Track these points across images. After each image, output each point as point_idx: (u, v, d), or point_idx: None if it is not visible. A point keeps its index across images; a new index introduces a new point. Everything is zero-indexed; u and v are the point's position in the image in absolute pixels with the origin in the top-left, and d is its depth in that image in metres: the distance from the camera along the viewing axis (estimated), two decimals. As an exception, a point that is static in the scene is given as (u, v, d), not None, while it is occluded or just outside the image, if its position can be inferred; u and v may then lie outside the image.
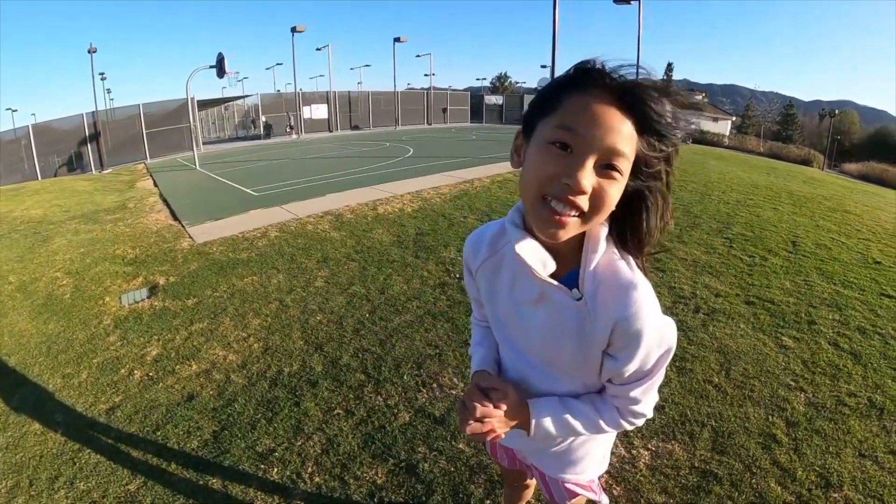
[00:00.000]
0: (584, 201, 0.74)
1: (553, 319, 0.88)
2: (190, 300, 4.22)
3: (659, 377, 0.88)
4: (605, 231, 0.84)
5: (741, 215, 6.65)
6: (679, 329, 0.92)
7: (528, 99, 33.88)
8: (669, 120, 0.74)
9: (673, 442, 2.32)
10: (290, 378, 2.98)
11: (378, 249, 5.22)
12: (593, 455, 1.13)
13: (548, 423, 0.94)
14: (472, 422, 0.90)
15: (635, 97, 0.72)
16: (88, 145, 16.72)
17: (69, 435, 2.60)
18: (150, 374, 3.16)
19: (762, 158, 20.33)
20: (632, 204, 0.81)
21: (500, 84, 62.80)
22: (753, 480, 2.09)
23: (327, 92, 27.80)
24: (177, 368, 3.19)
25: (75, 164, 16.65)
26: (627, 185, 0.78)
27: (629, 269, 0.83)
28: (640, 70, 0.76)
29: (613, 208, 0.78)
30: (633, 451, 2.25)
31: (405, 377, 2.93)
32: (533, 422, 0.94)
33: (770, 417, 2.50)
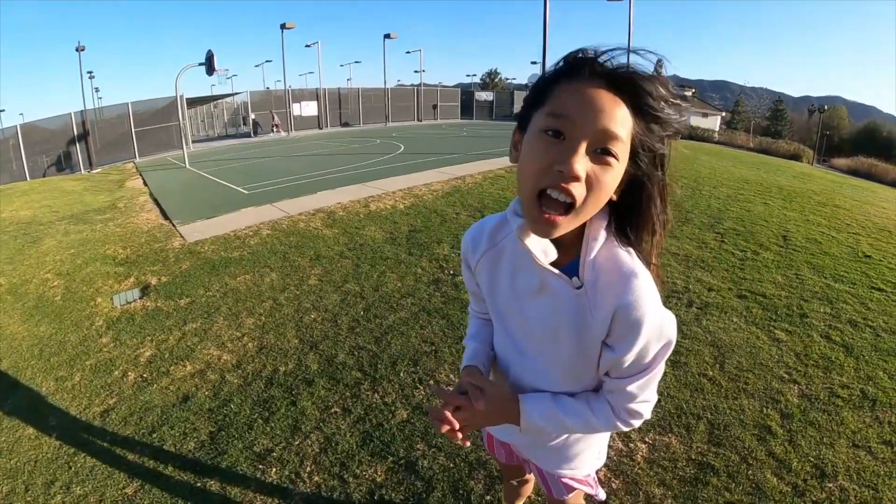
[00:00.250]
0: (578, 188, 0.72)
1: (553, 310, 0.87)
2: (183, 300, 4.19)
3: (657, 373, 0.86)
4: (605, 221, 0.83)
5: (732, 210, 6.70)
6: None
7: (518, 95, 34.10)
8: (664, 102, 0.73)
9: (670, 435, 2.34)
10: (286, 377, 2.97)
11: (371, 247, 5.21)
12: (590, 450, 1.13)
13: (538, 418, 0.93)
14: (439, 422, 0.90)
15: (628, 80, 0.72)
16: (77, 145, 16.50)
17: (64, 439, 2.57)
18: (144, 375, 3.13)
19: (752, 154, 20.49)
20: (632, 193, 0.80)
21: (491, 80, 62.81)
22: (750, 471, 2.11)
23: (317, 89, 27.64)
24: (171, 369, 3.16)
25: (64, 163, 16.42)
26: (627, 173, 0.78)
27: (630, 258, 0.82)
28: (633, 54, 0.74)
29: (610, 196, 0.77)
30: (631, 445, 2.27)
31: (402, 374, 2.92)
32: (523, 417, 0.93)
33: (765, 409, 2.53)
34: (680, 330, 3.34)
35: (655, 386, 0.89)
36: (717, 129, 32.71)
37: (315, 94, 27.31)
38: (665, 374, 2.79)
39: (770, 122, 57.51)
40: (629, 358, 0.83)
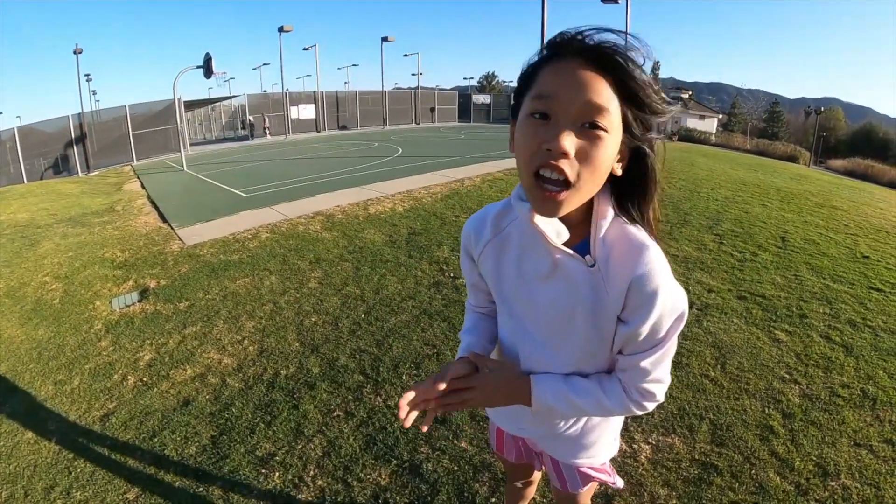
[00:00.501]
0: (569, 166, 0.73)
1: (567, 291, 0.87)
2: (182, 303, 4.18)
3: (670, 348, 0.86)
4: (611, 199, 0.85)
5: (730, 212, 6.73)
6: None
7: (515, 98, 34.04)
8: (647, 78, 0.73)
9: (673, 435, 2.34)
10: (288, 380, 2.96)
11: (371, 249, 5.21)
12: (605, 438, 1.12)
13: (549, 398, 0.92)
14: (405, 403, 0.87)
15: (610, 57, 0.72)
16: (74, 147, 16.44)
17: (63, 443, 2.55)
18: (144, 379, 3.11)
19: (749, 155, 20.57)
20: (635, 166, 0.82)
21: (488, 83, 62.88)
22: (753, 471, 2.11)
23: (315, 92, 27.62)
24: (171, 373, 3.15)
25: (61, 166, 16.37)
26: (626, 146, 0.78)
27: (639, 232, 0.83)
28: (619, 34, 0.74)
29: (607, 170, 0.78)
30: (635, 446, 2.27)
31: (404, 377, 2.92)
32: (534, 397, 0.92)
33: (766, 409, 2.54)
34: (681, 331, 3.37)
35: (669, 364, 0.89)
36: (714, 131, 32.83)
37: (313, 97, 27.30)
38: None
39: (767, 123, 57.75)
40: (644, 331, 0.83)
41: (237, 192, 9.12)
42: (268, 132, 24.31)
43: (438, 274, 4.47)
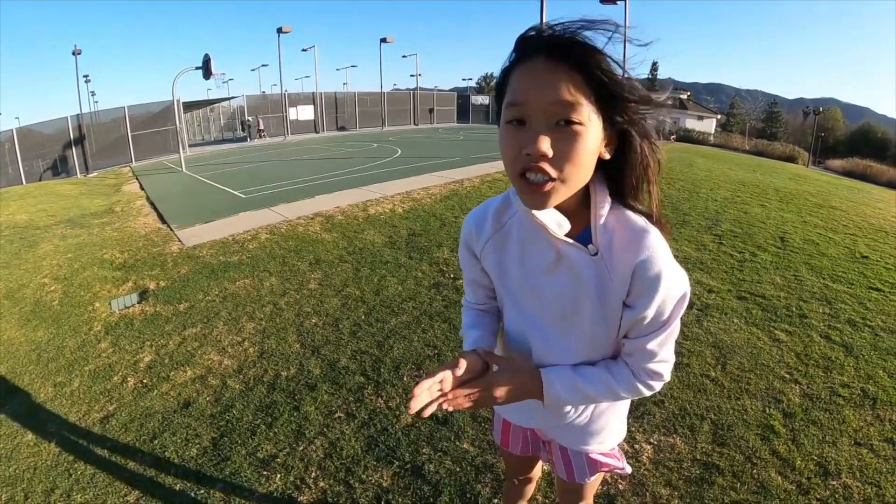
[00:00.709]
0: (551, 165, 0.74)
1: (572, 281, 0.88)
2: (182, 305, 4.17)
3: (674, 329, 0.88)
4: (607, 187, 0.86)
5: (729, 212, 6.74)
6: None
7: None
8: (612, 66, 0.74)
9: (674, 436, 2.34)
10: (289, 382, 2.95)
11: (371, 251, 5.20)
12: (613, 423, 1.13)
13: (560, 390, 0.93)
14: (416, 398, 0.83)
15: (571, 50, 0.73)
16: (73, 149, 16.41)
17: (63, 445, 2.54)
18: (144, 381, 3.11)
19: (748, 156, 20.61)
20: (619, 155, 0.83)
21: (487, 84, 62.97)
22: (754, 471, 2.11)
23: (313, 93, 27.63)
24: (171, 375, 3.14)
25: (60, 167, 16.34)
26: (610, 130, 0.79)
27: (638, 217, 0.85)
28: (578, 22, 0.73)
29: (591, 160, 0.79)
30: (636, 446, 2.27)
31: (405, 378, 2.92)
32: (546, 390, 0.93)
33: (767, 409, 2.54)
34: (681, 331, 3.37)
35: (673, 344, 0.90)
36: (713, 131, 32.87)
37: (311, 98, 27.31)
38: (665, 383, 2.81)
39: (765, 124, 57.85)
40: (649, 314, 0.84)
41: (236, 193, 9.11)
42: (262, 134, 24.16)
43: (438, 275, 4.47)
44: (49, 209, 8.73)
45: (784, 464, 2.16)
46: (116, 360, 3.38)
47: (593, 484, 1.23)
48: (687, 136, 25.10)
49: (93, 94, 44.76)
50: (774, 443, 2.29)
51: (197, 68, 14.39)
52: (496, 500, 2.00)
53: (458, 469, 2.17)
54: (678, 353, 3.06)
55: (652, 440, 2.32)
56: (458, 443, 2.33)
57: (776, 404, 2.58)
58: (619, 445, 1.20)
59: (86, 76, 37.60)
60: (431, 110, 32.82)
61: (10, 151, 15.07)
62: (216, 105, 29.55)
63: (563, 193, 0.78)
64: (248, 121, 24.65)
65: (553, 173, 0.75)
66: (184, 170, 13.41)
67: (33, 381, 3.22)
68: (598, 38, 0.73)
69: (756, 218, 6.48)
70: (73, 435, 2.64)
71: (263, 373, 3.08)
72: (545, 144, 0.73)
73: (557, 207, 0.84)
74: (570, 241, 0.86)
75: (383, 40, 31.17)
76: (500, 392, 0.91)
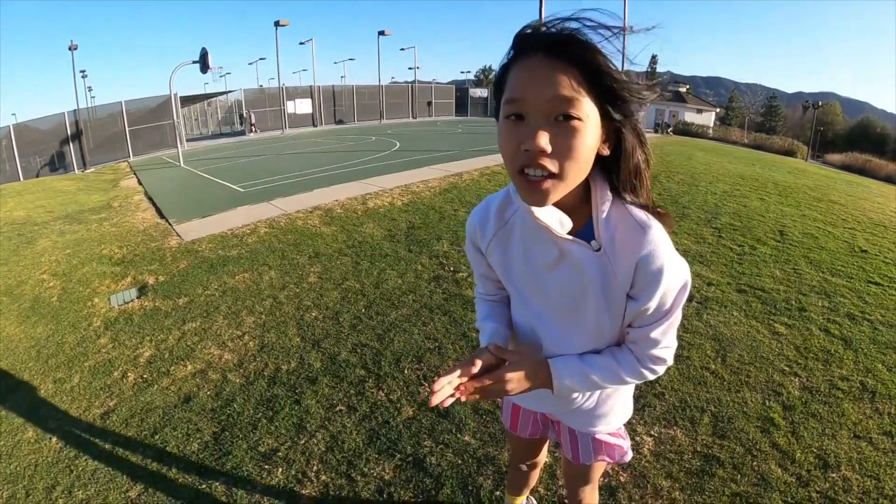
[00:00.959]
0: (550, 161, 0.75)
1: (576, 276, 0.90)
2: (181, 299, 4.16)
3: (677, 317, 0.90)
4: (607, 183, 0.87)
5: (729, 205, 6.74)
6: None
7: (513, 92, 34.00)
8: (610, 63, 0.75)
9: (675, 428, 2.35)
10: (289, 376, 2.95)
11: (370, 244, 5.20)
12: (620, 405, 1.18)
13: (569, 379, 0.96)
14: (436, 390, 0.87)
15: (569, 46, 0.73)
16: (70, 144, 16.34)
17: (64, 442, 2.54)
18: (145, 375, 3.11)
19: (747, 149, 20.61)
20: (616, 150, 0.84)
21: (485, 77, 62.72)
22: (755, 463, 2.12)
23: (311, 86, 27.49)
24: (171, 369, 3.14)
25: (57, 163, 16.27)
26: (608, 126, 0.80)
27: (639, 213, 0.86)
28: (579, 20, 0.74)
29: (590, 156, 0.79)
30: (637, 438, 2.27)
31: (406, 371, 2.92)
32: (555, 379, 0.96)
33: (767, 402, 2.55)
34: (681, 324, 3.38)
35: (675, 331, 0.94)
36: (712, 125, 32.82)
37: (309, 92, 27.17)
38: (668, 368, 2.81)
39: (764, 118, 57.75)
40: (652, 305, 0.87)
41: (234, 187, 9.09)
42: (254, 128, 23.98)
43: (438, 268, 4.47)
44: (47, 205, 8.69)
45: (784, 456, 2.17)
46: (116, 356, 3.37)
47: (598, 467, 1.29)
48: (686, 130, 25.08)
49: (90, 89, 44.58)
50: (774, 435, 2.30)
51: (194, 62, 14.31)
52: (498, 493, 2.01)
53: (459, 461, 2.18)
54: (678, 346, 3.06)
55: (653, 432, 2.33)
56: (459, 435, 2.34)
57: (776, 397, 2.59)
58: (624, 425, 1.24)
59: (82, 71, 37.44)
60: (430, 103, 32.69)
61: (7, 148, 15.00)
62: (214, 99, 29.44)
63: (561, 190, 0.79)
64: (246, 113, 24.51)
65: (552, 168, 0.76)
66: (182, 164, 13.37)
67: (33, 378, 3.21)
68: (595, 35, 0.74)
69: (755, 211, 6.48)
70: (73, 431, 2.63)
71: (264, 367, 3.08)
72: (544, 140, 0.74)
73: (558, 204, 0.84)
74: (573, 238, 0.88)
75: (381, 33, 31.02)
76: (512, 384, 0.93)
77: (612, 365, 0.96)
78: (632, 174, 0.85)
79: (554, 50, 0.74)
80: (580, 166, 0.78)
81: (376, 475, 2.14)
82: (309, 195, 7.58)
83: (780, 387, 2.68)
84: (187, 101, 25.01)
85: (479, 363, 0.92)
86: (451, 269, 4.43)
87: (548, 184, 0.77)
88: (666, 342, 0.93)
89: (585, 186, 0.86)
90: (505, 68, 0.80)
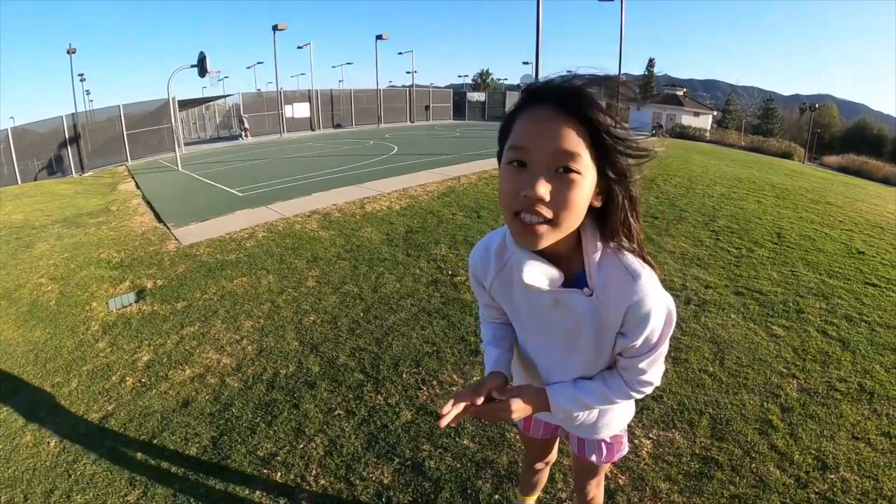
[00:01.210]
0: (547, 209, 0.80)
1: (571, 318, 0.97)
2: (179, 303, 4.16)
3: (664, 349, 0.97)
4: (598, 232, 0.91)
5: (726, 208, 6.75)
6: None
7: (510, 96, 34.11)
8: (611, 122, 0.79)
9: (673, 430, 2.36)
10: (288, 380, 2.95)
11: (368, 248, 5.20)
12: (619, 414, 1.26)
13: (565, 404, 1.06)
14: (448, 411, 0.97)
15: (576, 102, 0.78)
16: (68, 148, 16.31)
17: (62, 446, 2.53)
18: (143, 380, 3.10)
19: (744, 152, 20.67)
20: (607, 202, 0.88)
21: (483, 81, 62.86)
22: (753, 465, 2.13)
23: (309, 90, 27.51)
24: (170, 374, 3.13)
25: (55, 167, 16.24)
26: (601, 185, 0.85)
27: (631, 261, 0.91)
28: (586, 77, 0.80)
29: (584, 207, 0.84)
30: (636, 441, 2.28)
31: (404, 375, 2.92)
32: (552, 405, 1.06)
33: (765, 404, 2.55)
34: (679, 327, 3.38)
35: (663, 359, 1.01)
36: (709, 127, 32.93)
37: (307, 96, 27.20)
38: (666, 370, 2.80)
39: (761, 120, 57.87)
40: (640, 341, 0.94)
41: (233, 191, 9.09)
42: (246, 133, 23.92)
43: (436, 272, 4.47)
44: (45, 209, 8.68)
45: (782, 458, 2.17)
46: (114, 360, 3.37)
47: (605, 467, 1.38)
48: (683, 133, 25.13)
49: (88, 92, 44.59)
50: (773, 437, 2.30)
51: (192, 66, 14.32)
52: (497, 496, 2.01)
53: (458, 465, 2.18)
54: (676, 349, 3.07)
55: (651, 435, 2.33)
56: (458, 439, 2.34)
57: (774, 399, 2.60)
58: (627, 426, 1.33)
59: (81, 75, 37.44)
60: (427, 107, 32.73)
61: (5, 151, 14.98)
62: (212, 103, 29.42)
63: (554, 236, 0.84)
64: (246, 118, 24.51)
65: (548, 215, 0.80)
66: (180, 168, 13.36)
67: (31, 382, 3.21)
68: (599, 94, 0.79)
69: (752, 214, 6.50)
70: (71, 435, 2.63)
71: (262, 371, 3.07)
72: (544, 189, 0.78)
73: (553, 252, 0.89)
74: (565, 290, 0.93)
75: (379, 37, 31.08)
76: (516, 413, 1.03)
77: (603, 390, 1.05)
78: (621, 225, 0.89)
79: (562, 104, 0.78)
80: (574, 216, 0.83)
81: (375, 479, 2.14)
82: (307, 199, 7.58)
83: (778, 389, 2.68)
84: (185, 104, 25.01)
85: (482, 399, 1.01)
86: (450, 272, 4.43)
87: (543, 229, 0.82)
88: (653, 370, 1.01)
89: (577, 235, 0.90)
90: (513, 115, 0.85)
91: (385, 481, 2.12)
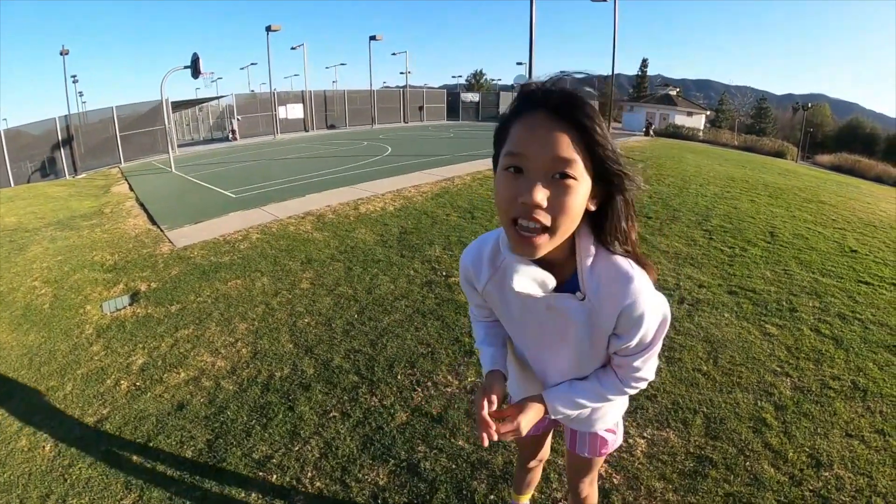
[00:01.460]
0: (544, 215, 0.80)
1: (564, 321, 0.98)
2: (173, 306, 4.14)
3: (657, 347, 0.99)
4: (591, 236, 0.92)
5: (719, 207, 6.79)
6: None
7: (503, 96, 34.16)
8: (601, 129, 0.81)
9: (667, 429, 2.37)
10: (282, 382, 2.95)
11: (362, 249, 5.19)
12: (616, 406, 1.29)
13: (562, 408, 1.09)
14: (486, 434, 1.03)
15: (568, 109, 0.79)
16: (61, 150, 16.21)
17: (58, 450, 2.52)
18: (138, 383, 3.09)
19: (737, 151, 20.77)
20: (604, 207, 0.89)
21: (476, 81, 62.85)
22: (747, 463, 2.14)
23: (303, 91, 27.47)
24: (164, 377, 3.12)
25: (48, 169, 16.14)
26: (596, 190, 0.85)
27: (623, 264, 0.92)
28: (578, 74, 0.84)
29: (580, 212, 0.84)
30: (630, 440, 2.29)
31: (399, 377, 2.92)
32: (549, 408, 1.09)
33: (759, 402, 2.57)
34: (673, 326, 3.39)
35: (656, 357, 1.03)
36: (702, 127, 33.07)
37: (301, 97, 27.15)
38: (660, 369, 2.83)
39: (754, 120, 58.12)
40: (634, 342, 0.95)
41: (226, 193, 9.05)
42: (234, 136, 23.80)
43: (431, 273, 4.47)
44: (38, 211, 8.62)
45: (776, 456, 2.19)
46: (109, 363, 3.35)
47: (597, 459, 1.38)
48: (676, 132, 25.23)
49: (81, 94, 44.24)
50: (767, 435, 2.32)
51: (185, 67, 14.25)
52: (492, 497, 2.02)
53: (453, 466, 2.18)
54: (670, 348, 3.08)
55: (645, 434, 2.34)
56: (453, 440, 2.34)
57: (768, 397, 2.61)
58: (622, 418, 1.36)
59: (73, 76, 37.24)
60: (421, 108, 32.73)
61: (-3, 153, 14.87)
62: (205, 104, 29.31)
63: (552, 244, 0.84)
64: (239, 119, 24.42)
65: (545, 222, 0.81)
66: (173, 170, 13.29)
67: (26, 386, 3.19)
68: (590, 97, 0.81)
69: (746, 213, 6.53)
70: (67, 439, 2.61)
71: (257, 373, 3.07)
72: (541, 195, 0.79)
73: (547, 258, 0.90)
74: (557, 294, 0.94)
75: (372, 38, 31.04)
76: (525, 429, 1.07)
77: (598, 388, 1.07)
78: (616, 229, 0.90)
79: (557, 110, 0.79)
80: (571, 221, 0.83)
81: (371, 481, 2.14)
82: (301, 201, 7.57)
83: (771, 387, 2.70)
84: (179, 106, 24.90)
85: (495, 399, 1.06)
86: (444, 273, 4.43)
87: (541, 239, 0.82)
88: (647, 367, 1.03)
89: (571, 239, 0.90)
90: (508, 119, 0.85)
91: (380, 483, 2.12)
